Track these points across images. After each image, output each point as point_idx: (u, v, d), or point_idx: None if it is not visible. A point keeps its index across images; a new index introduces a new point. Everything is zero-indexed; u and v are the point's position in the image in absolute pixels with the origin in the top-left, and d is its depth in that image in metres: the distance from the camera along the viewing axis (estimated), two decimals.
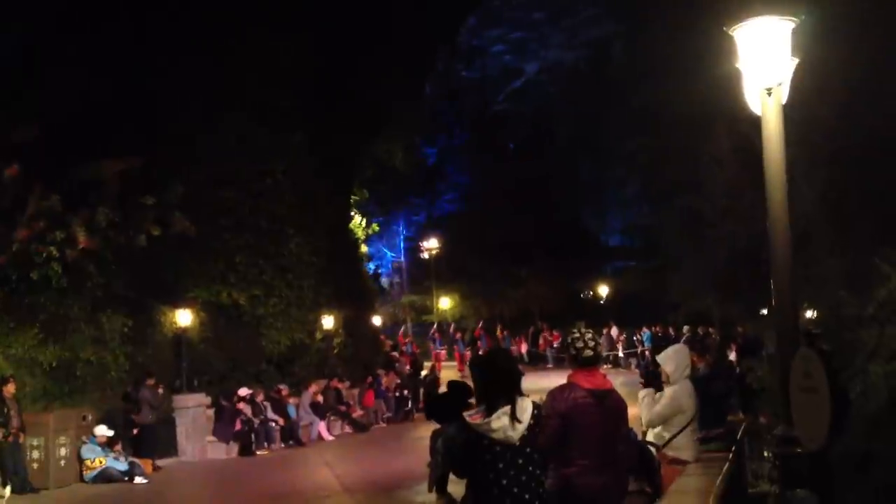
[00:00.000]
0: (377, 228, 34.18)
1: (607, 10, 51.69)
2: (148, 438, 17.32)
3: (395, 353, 30.79)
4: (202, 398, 19.22)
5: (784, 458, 5.39)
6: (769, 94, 5.44)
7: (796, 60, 5.52)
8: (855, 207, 9.76)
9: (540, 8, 58.53)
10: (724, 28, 5.60)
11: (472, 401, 5.33)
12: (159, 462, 17.22)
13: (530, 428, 4.77)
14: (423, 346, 37.46)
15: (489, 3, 51.35)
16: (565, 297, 45.56)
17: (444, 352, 37.24)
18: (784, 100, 5.58)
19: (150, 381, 17.74)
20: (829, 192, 10.53)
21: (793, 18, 5.45)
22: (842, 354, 6.24)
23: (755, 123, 5.89)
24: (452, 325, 42.18)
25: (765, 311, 17.47)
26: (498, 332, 39.50)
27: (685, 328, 32.52)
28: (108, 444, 15.98)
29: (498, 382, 4.89)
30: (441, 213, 47.37)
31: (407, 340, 36.84)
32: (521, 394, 4.91)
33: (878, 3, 8.88)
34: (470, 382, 5.33)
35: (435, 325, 41.16)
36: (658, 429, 8.21)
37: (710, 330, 29.14)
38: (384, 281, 47.84)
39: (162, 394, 18.15)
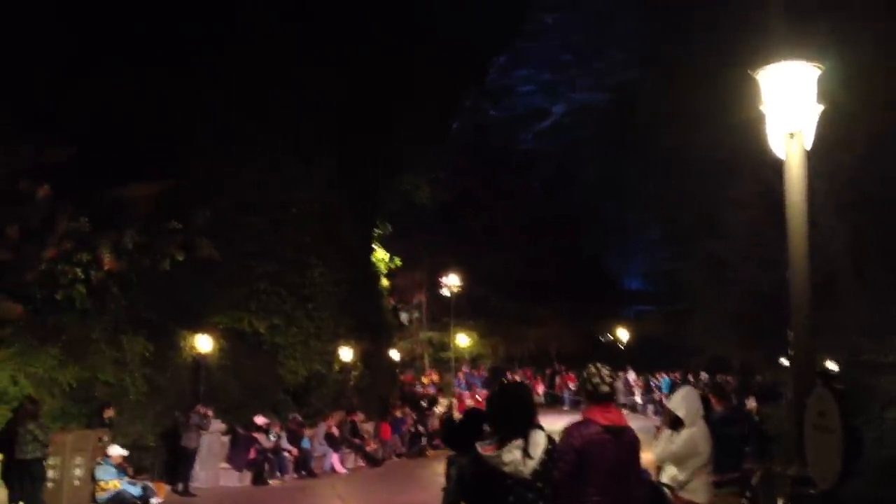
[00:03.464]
0: (399, 262, 34.15)
1: (634, 54, 51.98)
2: (190, 462, 17.71)
3: (419, 389, 30.79)
4: (218, 425, 19.25)
5: (797, 499, 5.39)
6: (792, 138, 5.51)
7: (821, 107, 5.59)
8: (878, 256, 9.74)
9: (568, 51, 58.92)
10: (749, 71, 5.69)
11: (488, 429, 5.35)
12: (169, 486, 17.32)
13: (543, 463, 4.76)
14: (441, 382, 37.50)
15: (518, 43, 51.73)
16: (584, 339, 45.33)
17: (467, 393, 37.12)
18: (808, 146, 5.64)
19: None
20: (853, 240, 10.51)
21: (818, 65, 5.53)
22: (858, 400, 6.24)
23: (778, 168, 5.94)
24: (466, 367, 42.20)
25: (785, 360, 17.34)
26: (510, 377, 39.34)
27: (704, 375, 32.31)
28: (137, 471, 16.15)
29: (512, 414, 4.89)
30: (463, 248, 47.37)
31: (432, 378, 36.84)
32: (535, 427, 4.90)
33: None
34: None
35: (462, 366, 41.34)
36: (674, 471, 8.18)
37: (729, 379, 28.94)
38: (403, 316, 47.76)
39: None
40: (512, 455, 4.68)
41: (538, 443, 4.77)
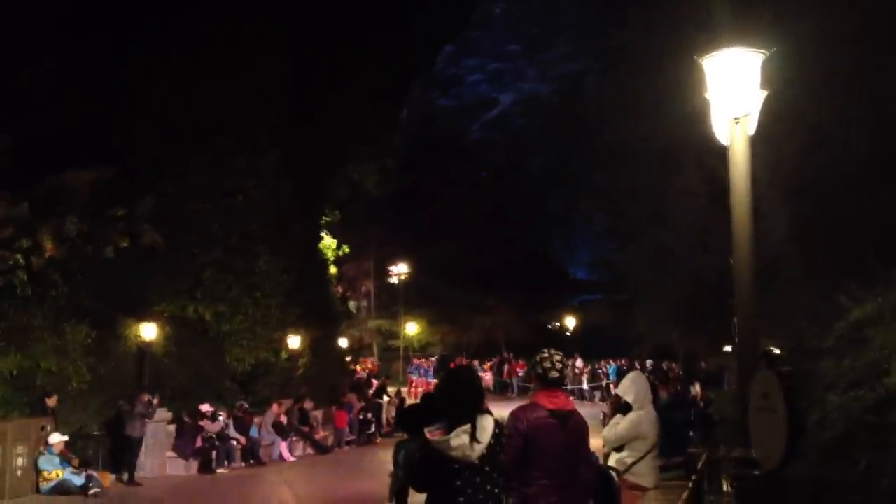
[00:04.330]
0: (347, 250, 34.14)
1: (581, 45, 52.36)
2: (134, 451, 17.45)
3: (363, 375, 30.75)
4: (163, 413, 19.03)
5: (740, 481, 5.49)
6: (737, 123, 5.60)
7: (765, 93, 5.68)
8: (820, 243, 9.95)
9: (516, 41, 59.18)
10: (695, 58, 5.76)
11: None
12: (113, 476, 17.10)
13: (490, 447, 4.76)
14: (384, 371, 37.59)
15: (467, 33, 51.87)
16: (532, 328, 45.67)
17: (422, 380, 37.16)
18: (752, 131, 5.73)
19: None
20: (796, 228, 10.72)
21: (762, 51, 5.62)
22: (802, 383, 6.37)
23: (723, 156, 6.04)
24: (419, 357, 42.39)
25: (728, 348, 17.63)
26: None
27: (649, 362, 32.72)
28: (81, 461, 15.89)
29: (459, 399, 4.88)
30: (411, 237, 47.41)
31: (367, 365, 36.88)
32: (483, 412, 4.91)
33: (845, 44, 9.12)
34: None
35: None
36: (620, 454, 8.29)
37: (673, 365, 29.32)
38: (352, 305, 47.73)
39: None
40: (459, 440, 4.67)
41: (486, 427, 4.76)
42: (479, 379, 5.56)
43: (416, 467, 5.20)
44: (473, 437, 4.68)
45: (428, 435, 4.78)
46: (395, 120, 39.34)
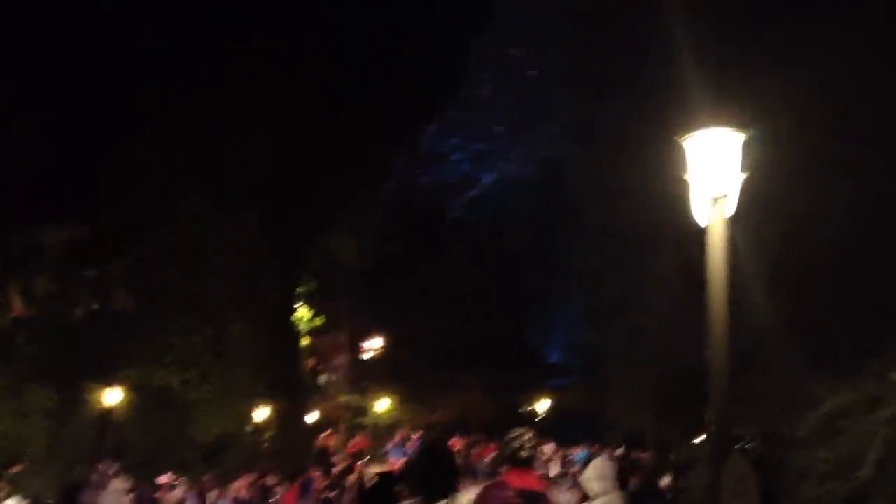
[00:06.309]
0: (321, 322, 33.83)
1: (564, 129, 53.10)
2: None
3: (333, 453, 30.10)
4: (121, 483, 18.47)
5: None
6: (715, 204, 5.57)
7: (745, 175, 5.67)
8: (795, 331, 9.93)
9: (500, 122, 60.02)
10: (676, 138, 5.76)
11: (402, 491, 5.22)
12: None
13: None
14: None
15: (451, 112, 52.58)
16: (503, 409, 45.17)
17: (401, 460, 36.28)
18: (731, 212, 5.70)
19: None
20: (771, 316, 10.70)
21: (742, 131, 5.63)
22: (774, 472, 6.24)
23: (701, 243, 5.99)
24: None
25: (699, 439, 17.40)
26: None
27: (619, 451, 32.35)
28: None
29: (435, 475, 4.78)
30: (387, 311, 47.16)
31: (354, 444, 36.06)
32: (457, 489, 4.81)
33: (823, 134, 9.24)
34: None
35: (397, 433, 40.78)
36: None
37: (644, 455, 28.97)
38: (322, 379, 47.16)
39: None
40: None
41: None
42: (454, 457, 5.46)
43: None
44: None
45: None
46: (376, 193, 39.50)
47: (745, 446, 6.41)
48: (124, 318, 19.28)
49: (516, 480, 5.36)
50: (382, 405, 43.85)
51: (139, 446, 20.23)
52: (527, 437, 5.59)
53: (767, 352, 10.89)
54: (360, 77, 28.96)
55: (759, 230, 10.04)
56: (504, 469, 5.66)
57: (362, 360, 45.50)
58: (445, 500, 4.63)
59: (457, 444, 38.43)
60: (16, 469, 15.76)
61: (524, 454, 5.49)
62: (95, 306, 18.14)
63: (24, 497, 15.72)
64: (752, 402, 9.16)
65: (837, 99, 9.75)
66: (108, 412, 19.20)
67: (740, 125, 5.61)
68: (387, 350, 44.21)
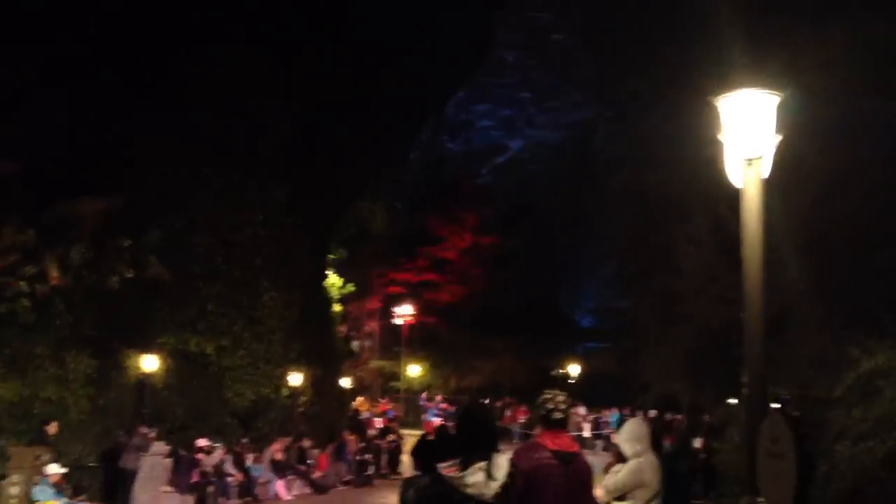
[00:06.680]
0: (351, 289, 34.09)
1: (593, 94, 52.69)
2: (128, 484, 17.18)
3: (368, 416, 30.50)
4: (161, 447, 18.84)
5: None
6: (750, 165, 5.52)
7: (779, 137, 5.61)
8: (830, 294, 9.87)
9: (526, 88, 59.58)
10: (709, 99, 5.70)
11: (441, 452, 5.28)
12: None
13: (505, 486, 4.73)
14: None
15: (479, 79, 52.25)
16: (535, 373, 45.29)
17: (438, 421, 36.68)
18: (765, 174, 5.65)
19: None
20: (806, 278, 10.65)
21: (778, 93, 5.56)
22: (810, 433, 6.25)
23: (732, 205, 5.96)
24: (424, 394, 41.96)
25: (733, 400, 17.39)
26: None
27: (652, 412, 32.42)
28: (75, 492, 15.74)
29: (475, 436, 4.85)
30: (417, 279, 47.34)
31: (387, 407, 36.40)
32: (497, 450, 4.88)
33: (860, 95, 9.13)
34: None
35: (424, 394, 41.07)
36: (622, 503, 8.11)
37: (678, 417, 29.00)
38: (355, 344, 47.50)
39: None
40: (476, 477, 4.62)
41: (501, 465, 4.73)
42: (494, 419, 5.52)
43: (429, 503, 5.12)
44: (489, 475, 4.63)
45: (443, 471, 4.73)
46: (405, 162, 39.51)
47: (781, 407, 6.40)
48: (158, 286, 19.50)
49: (550, 441, 5.39)
50: (414, 370, 44.15)
51: (177, 411, 20.60)
52: (560, 398, 5.59)
53: (802, 313, 10.85)
54: (387, 45, 28.88)
55: (793, 192, 9.98)
56: (538, 430, 5.67)
57: (393, 325, 45.71)
58: (484, 461, 4.70)
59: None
60: (50, 427, 16.07)
61: (557, 416, 5.49)
62: (130, 275, 18.32)
63: (65, 463, 16.12)
64: (788, 362, 9.16)
65: (872, 58, 9.62)
66: (147, 378, 19.52)
67: (775, 86, 5.54)
68: (418, 316, 44.37)
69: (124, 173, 19.11)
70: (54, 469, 15.53)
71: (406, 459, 23.76)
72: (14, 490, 15.00)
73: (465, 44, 38.63)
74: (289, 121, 23.99)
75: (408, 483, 6.64)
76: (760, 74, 5.89)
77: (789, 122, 6.18)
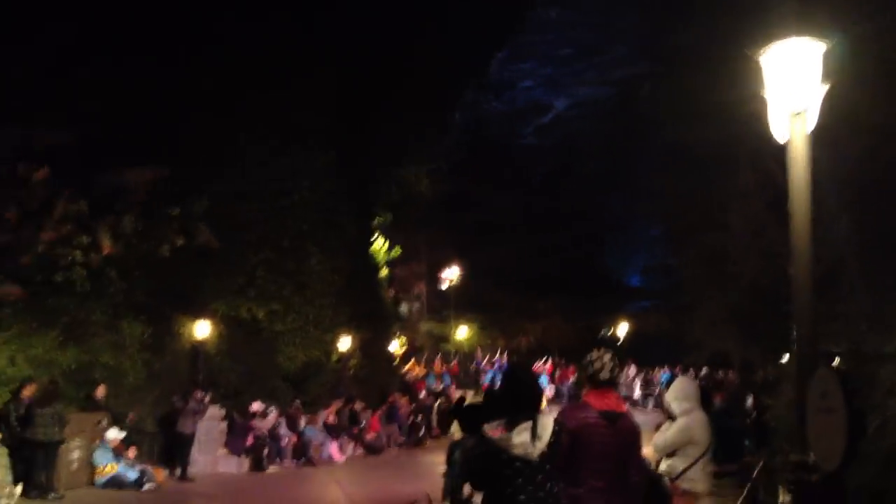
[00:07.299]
0: (398, 253, 34.15)
1: (637, 49, 51.78)
2: (186, 447, 17.72)
3: (416, 377, 30.74)
4: (216, 410, 19.23)
5: (797, 486, 5.32)
6: (796, 118, 5.41)
7: (826, 86, 5.48)
8: (881, 248, 9.67)
9: (570, 45, 58.74)
10: (750, 53, 5.58)
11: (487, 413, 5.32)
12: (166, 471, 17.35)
13: (551, 445, 4.78)
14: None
15: (520, 37, 51.64)
16: (583, 334, 45.26)
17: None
18: (811, 127, 5.54)
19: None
20: (856, 232, 10.45)
21: (823, 41, 5.42)
22: (861, 388, 6.19)
23: (780, 159, 5.85)
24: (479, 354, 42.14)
25: (785, 358, 17.22)
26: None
27: (704, 370, 32.27)
28: (131, 454, 16.18)
29: (520, 397, 4.90)
30: (463, 241, 47.33)
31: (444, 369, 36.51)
32: (541, 411, 4.93)
33: None
34: None
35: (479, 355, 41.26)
36: (671, 460, 8.12)
37: (730, 373, 28.83)
38: (403, 307, 47.74)
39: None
40: (521, 437, 4.73)
41: (546, 426, 4.83)
42: (538, 380, 5.57)
43: (475, 464, 5.20)
44: (535, 435, 4.69)
45: (489, 432, 4.79)
46: (448, 123, 39.31)
47: (832, 363, 6.34)
48: (208, 253, 19.76)
49: (597, 401, 5.42)
50: (463, 332, 44.32)
51: (230, 376, 20.96)
52: (606, 357, 5.59)
53: (851, 269, 10.66)
54: (427, 7, 28.69)
55: (841, 143, 9.78)
56: (585, 390, 5.70)
57: (441, 289, 45.84)
58: (529, 421, 4.74)
59: (549, 367, 38.93)
60: (101, 392, 16.47)
61: (604, 375, 5.50)
62: (180, 243, 18.56)
63: (124, 427, 16.53)
64: (838, 318, 9.03)
65: None
66: (200, 344, 19.88)
67: (820, 34, 5.41)
68: (465, 278, 44.43)
69: (170, 141, 19.29)
70: (114, 434, 15.97)
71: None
72: (76, 454, 15.47)
73: (507, 2, 38.23)
74: (331, 84, 24.01)
75: (453, 445, 6.72)
76: (807, 23, 5.76)
77: (838, 69, 6.02)
